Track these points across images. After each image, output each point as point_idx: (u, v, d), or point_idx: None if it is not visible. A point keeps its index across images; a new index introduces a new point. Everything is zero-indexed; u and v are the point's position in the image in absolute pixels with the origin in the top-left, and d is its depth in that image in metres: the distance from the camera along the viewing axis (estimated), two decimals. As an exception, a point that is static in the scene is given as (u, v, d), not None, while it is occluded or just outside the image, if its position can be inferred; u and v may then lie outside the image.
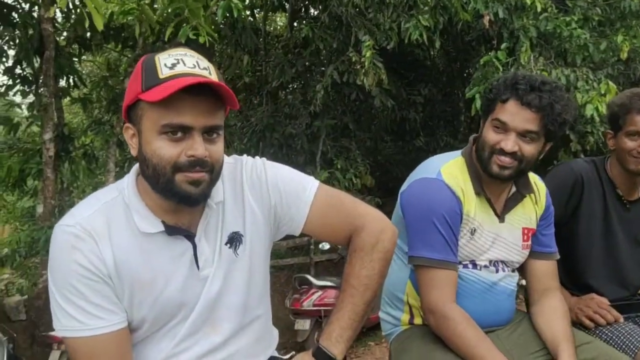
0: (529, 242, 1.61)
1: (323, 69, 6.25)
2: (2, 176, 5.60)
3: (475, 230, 1.53)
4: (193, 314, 1.14)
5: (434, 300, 1.46)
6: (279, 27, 7.85)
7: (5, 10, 5.36)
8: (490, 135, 1.49)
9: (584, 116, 5.64)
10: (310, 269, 6.34)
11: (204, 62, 1.08)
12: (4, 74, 5.42)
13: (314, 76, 6.88)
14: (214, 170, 1.08)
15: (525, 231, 1.60)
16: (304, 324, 5.12)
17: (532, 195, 1.62)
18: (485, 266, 1.56)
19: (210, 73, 1.06)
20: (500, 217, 1.57)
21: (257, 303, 1.22)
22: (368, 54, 5.17)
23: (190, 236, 1.14)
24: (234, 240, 1.17)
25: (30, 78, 5.63)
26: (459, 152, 1.62)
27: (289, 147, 7.30)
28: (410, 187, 1.55)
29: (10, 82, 5.57)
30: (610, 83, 5.71)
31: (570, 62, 6.26)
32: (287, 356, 1.26)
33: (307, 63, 7.10)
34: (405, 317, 1.62)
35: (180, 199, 1.08)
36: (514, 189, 1.59)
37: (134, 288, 1.10)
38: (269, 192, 1.20)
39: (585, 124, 6.26)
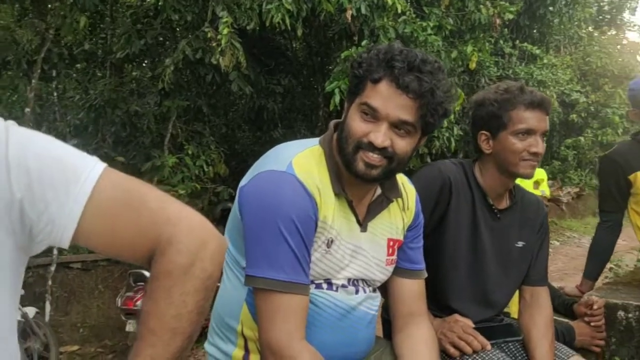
0: (394, 257, 1.35)
1: (177, 45, 5.73)
2: None
3: (332, 241, 1.22)
4: None
5: (276, 337, 1.12)
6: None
7: None
8: (356, 124, 1.19)
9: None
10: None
11: None
12: None
13: (165, 52, 6.31)
14: None
15: (391, 243, 1.34)
16: (136, 326, 4.61)
17: (400, 200, 1.36)
18: (343, 286, 1.26)
19: None
20: (363, 225, 1.29)
21: None
22: (225, 32, 4.78)
23: None
24: None
25: None
26: (316, 140, 1.31)
27: (133, 126, 6.61)
28: (252, 181, 1.20)
29: None
30: (459, 89, 5.98)
31: (423, 66, 6.45)
32: None
33: (160, 38, 6.50)
34: (238, 353, 1.27)
35: None
36: (379, 191, 1.32)
37: None
38: (9, 177, 0.75)
39: (433, 128, 6.50)
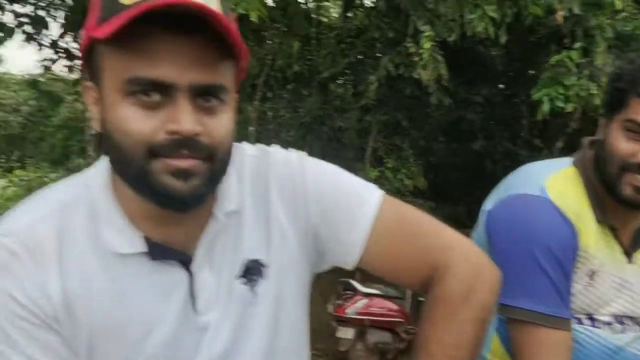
0: None
1: (377, 61, 5.95)
2: (46, 152, 5.55)
3: (595, 272, 1.12)
4: None
5: None
6: (332, 18, 7.60)
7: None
8: (620, 143, 1.09)
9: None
10: (355, 273, 6.04)
11: None
12: (50, 47, 5.27)
13: (366, 69, 6.59)
14: (215, 157, 0.69)
15: None
16: (346, 333, 4.84)
17: None
18: (608, 323, 1.14)
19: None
20: (629, 256, 1.17)
21: None
22: (427, 45, 4.81)
23: (185, 262, 0.75)
24: (253, 272, 0.79)
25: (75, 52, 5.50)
26: (568, 160, 1.21)
27: (337, 141, 7.02)
28: (502, 205, 1.14)
29: (56, 56, 5.43)
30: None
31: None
32: None
33: (360, 56, 6.81)
34: None
35: (160, 200, 0.70)
36: None
37: (96, 337, 0.72)
38: (307, 203, 0.81)
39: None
